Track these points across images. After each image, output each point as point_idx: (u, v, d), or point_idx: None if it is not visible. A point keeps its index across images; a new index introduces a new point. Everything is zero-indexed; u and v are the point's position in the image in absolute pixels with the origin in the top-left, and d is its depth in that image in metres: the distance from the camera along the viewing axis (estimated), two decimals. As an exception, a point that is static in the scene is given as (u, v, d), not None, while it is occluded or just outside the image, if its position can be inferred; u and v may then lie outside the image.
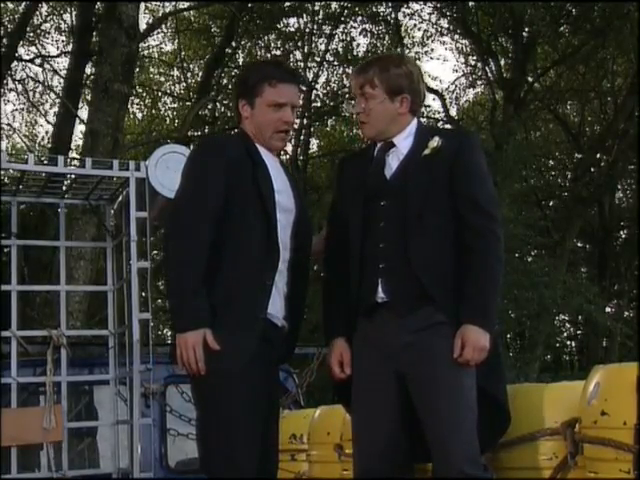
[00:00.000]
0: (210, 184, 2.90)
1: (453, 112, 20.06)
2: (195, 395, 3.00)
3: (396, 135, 3.04)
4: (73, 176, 5.54)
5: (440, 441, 2.77)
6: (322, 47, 19.52)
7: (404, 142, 3.03)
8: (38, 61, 16.91)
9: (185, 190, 2.99)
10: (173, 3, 18.71)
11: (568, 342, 23.61)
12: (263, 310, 2.91)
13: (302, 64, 19.74)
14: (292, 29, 18.54)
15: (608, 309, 18.95)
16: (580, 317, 19.65)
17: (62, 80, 16.11)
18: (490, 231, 2.89)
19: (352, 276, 2.97)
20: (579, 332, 22.74)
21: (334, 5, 17.97)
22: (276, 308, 2.98)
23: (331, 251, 3.13)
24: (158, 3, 18.60)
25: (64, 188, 5.70)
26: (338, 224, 3.10)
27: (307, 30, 18.77)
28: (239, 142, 3.06)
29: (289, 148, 19.56)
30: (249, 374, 2.83)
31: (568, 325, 22.32)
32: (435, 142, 2.95)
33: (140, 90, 19.39)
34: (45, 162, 5.79)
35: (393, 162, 3.02)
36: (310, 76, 19.87)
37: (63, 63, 17.21)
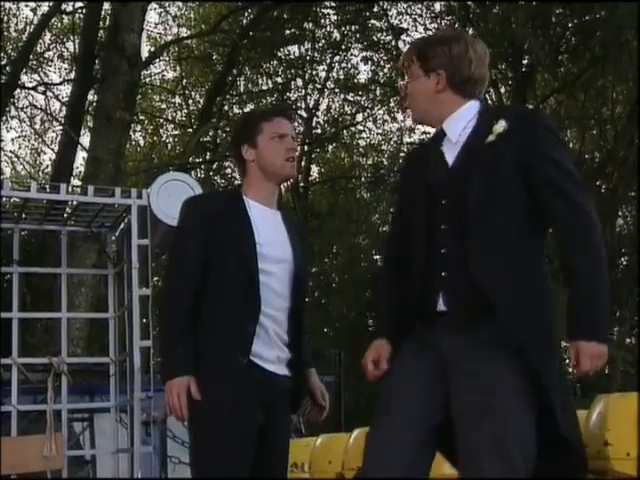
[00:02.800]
0: (191, 250, 3.07)
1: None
2: (188, 436, 3.12)
3: (445, 119, 2.74)
4: (75, 203, 5.56)
5: (474, 452, 2.47)
6: (323, 74, 19.66)
7: (454, 127, 2.71)
8: (41, 89, 17.00)
9: (170, 258, 3.28)
10: (175, 31, 18.91)
11: (570, 369, 23.51)
12: (246, 354, 2.96)
13: (303, 91, 19.87)
14: (293, 57, 18.67)
15: (610, 336, 18.89)
16: (582, 344, 19.55)
17: (65, 107, 16.19)
18: (583, 224, 2.55)
19: (414, 283, 2.71)
20: (581, 359, 22.62)
21: (335, 33, 18.12)
22: (266, 353, 3.02)
23: (393, 251, 2.90)
24: (160, 31, 18.79)
25: (66, 215, 5.72)
26: (401, 224, 2.87)
27: (308, 57, 18.89)
28: (221, 197, 3.32)
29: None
30: (231, 420, 2.91)
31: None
32: (501, 127, 2.62)
33: (142, 117, 19.48)
34: (47, 190, 5.81)
35: (448, 153, 2.71)
36: (311, 103, 19.98)
37: (65, 91, 17.32)
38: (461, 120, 2.72)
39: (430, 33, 17.63)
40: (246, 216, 3.11)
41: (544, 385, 2.49)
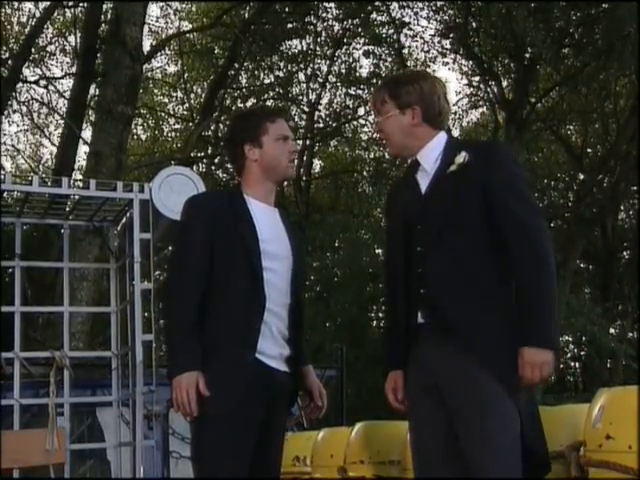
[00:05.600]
0: (195, 246, 3.09)
1: (455, 133, 20.11)
2: (190, 432, 3.14)
3: (419, 150, 3.00)
4: (77, 197, 5.56)
5: (475, 459, 2.70)
6: (325, 68, 19.63)
7: (427, 157, 2.98)
8: (43, 82, 17.00)
9: (174, 254, 3.26)
10: (176, 25, 18.90)
11: (572, 363, 23.54)
12: (252, 351, 3.00)
13: (305, 85, 19.84)
14: (295, 51, 18.64)
15: (612, 330, 18.88)
16: (584, 338, 19.59)
17: (66, 101, 16.19)
18: (531, 243, 2.77)
19: (401, 305, 2.96)
20: (583, 353, 22.66)
21: (336, 27, 18.10)
22: (270, 349, 3.06)
23: (389, 283, 3.12)
24: (162, 25, 18.77)
25: (68, 209, 5.72)
26: (390, 256, 3.12)
27: (310, 51, 18.86)
28: (223, 196, 3.34)
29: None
30: (234, 417, 2.94)
31: (572, 346, 22.25)
32: (462, 157, 2.89)
33: (144, 111, 19.47)
34: (49, 184, 5.80)
35: (422, 181, 2.98)
36: (313, 97, 19.96)
37: (67, 84, 17.32)
38: (434, 151, 2.99)
39: (432, 26, 17.67)
40: (248, 213, 3.15)
41: (507, 391, 2.70)
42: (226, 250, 3.06)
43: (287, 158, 3.24)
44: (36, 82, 16.80)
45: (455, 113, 20.41)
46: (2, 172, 15.50)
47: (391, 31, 17.88)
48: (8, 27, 16.51)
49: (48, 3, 15.12)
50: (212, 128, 18.27)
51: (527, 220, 2.80)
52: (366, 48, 18.30)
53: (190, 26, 18.65)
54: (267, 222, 3.17)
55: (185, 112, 20.19)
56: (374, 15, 17.54)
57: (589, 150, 20.72)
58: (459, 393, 2.75)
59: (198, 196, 3.36)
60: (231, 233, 3.08)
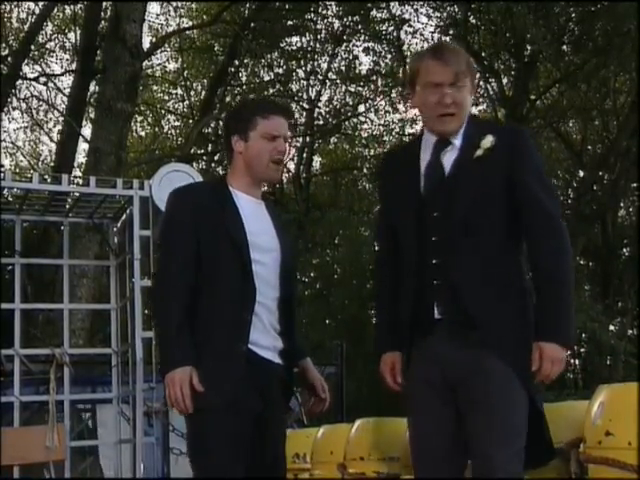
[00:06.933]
0: (181, 241, 3.05)
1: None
2: (186, 428, 3.11)
3: (457, 131, 2.85)
4: (77, 194, 5.56)
5: (482, 442, 2.67)
6: (324, 65, 19.61)
7: (459, 138, 2.84)
8: (42, 79, 16.99)
9: (161, 250, 3.22)
10: (176, 22, 18.88)
11: (572, 360, 23.52)
12: (244, 342, 2.97)
13: (304, 82, 19.83)
14: (295, 47, 18.63)
15: (612, 327, 18.88)
16: (584, 335, 19.58)
17: (66, 98, 16.18)
18: (557, 235, 2.72)
19: (407, 292, 2.83)
20: (582, 350, 22.66)
21: (336, 24, 18.08)
22: (262, 340, 3.03)
23: (383, 263, 3.03)
24: (162, 22, 18.76)
25: (68, 206, 5.72)
26: (388, 234, 2.98)
27: (309, 48, 18.85)
28: (209, 188, 3.28)
29: (291, 166, 19.65)
30: (230, 410, 2.92)
31: (571, 343, 22.20)
32: (489, 142, 2.76)
33: (143, 108, 19.45)
34: (49, 181, 5.81)
35: (447, 163, 2.81)
36: (312, 94, 19.95)
37: (67, 81, 17.30)
38: (461, 128, 2.85)
39: (432, 23, 17.65)
40: (234, 206, 3.10)
41: (524, 384, 2.70)
42: (213, 243, 3.02)
43: (269, 157, 3.11)
44: (36, 79, 16.78)
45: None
46: (2, 169, 15.50)
47: (391, 28, 17.85)
48: (8, 24, 16.48)
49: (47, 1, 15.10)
50: (212, 125, 18.25)
51: (554, 212, 2.76)
52: (366, 45, 18.30)
53: (190, 23, 18.62)
54: (253, 214, 3.11)
55: (185, 109, 20.18)
56: (374, 12, 17.53)
57: (589, 147, 20.70)
58: (475, 384, 2.69)
59: (181, 188, 3.28)
60: (217, 225, 3.03)
